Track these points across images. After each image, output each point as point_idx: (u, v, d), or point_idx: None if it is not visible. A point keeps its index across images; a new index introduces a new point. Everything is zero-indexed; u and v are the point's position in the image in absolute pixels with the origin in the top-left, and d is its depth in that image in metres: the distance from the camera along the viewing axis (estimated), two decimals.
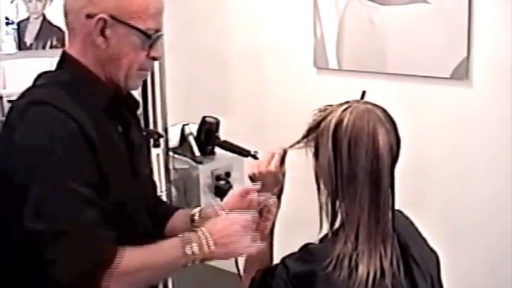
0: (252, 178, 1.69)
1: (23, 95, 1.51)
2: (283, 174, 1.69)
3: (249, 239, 1.51)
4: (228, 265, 1.74)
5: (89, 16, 1.51)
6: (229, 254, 1.52)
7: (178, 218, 1.80)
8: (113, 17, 1.50)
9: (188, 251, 1.45)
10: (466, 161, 2.93)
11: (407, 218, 1.65)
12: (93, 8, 1.50)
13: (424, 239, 1.63)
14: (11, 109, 1.50)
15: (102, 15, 1.49)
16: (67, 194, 1.39)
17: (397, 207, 1.53)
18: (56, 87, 1.50)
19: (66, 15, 1.57)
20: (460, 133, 2.92)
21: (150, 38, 1.54)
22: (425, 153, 3.00)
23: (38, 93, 1.50)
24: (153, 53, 1.58)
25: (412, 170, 2.47)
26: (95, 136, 1.45)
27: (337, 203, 1.51)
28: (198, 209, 1.78)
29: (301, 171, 1.59)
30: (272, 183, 1.67)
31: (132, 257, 1.41)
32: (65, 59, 1.58)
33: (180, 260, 1.45)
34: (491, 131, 2.82)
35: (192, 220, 1.74)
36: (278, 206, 1.68)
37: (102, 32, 1.51)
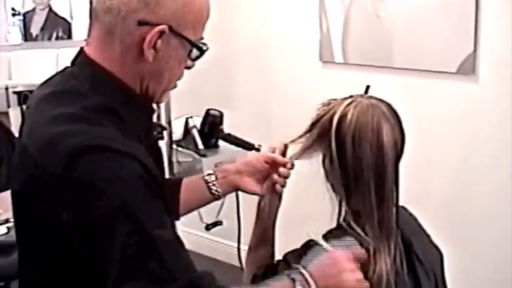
0: None
1: (63, 137, 1.19)
2: None
3: (353, 277, 1.38)
4: (230, 258, 1.73)
5: (142, 23, 1.26)
6: None
7: (190, 191, 1.73)
8: (170, 28, 1.27)
9: None
10: (472, 156, 2.91)
11: (411, 214, 1.64)
12: (150, 14, 1.25)
13: (428, 236, 1.62)
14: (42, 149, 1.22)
15: (162, 27, 1.26)
16: (176, 245, 1.24)
17: (401, 203, 1.52)
18: (99, 120, 1.23)
19: (102, 12, 1.28)
20: (466, 128, 2.90)
21: (202, 52, 1.35)
22: (431, 149, 2.99)
23: (85, 134, 1.19)
24: (189, 63, 1.38)
25: (417, 165, 2.45)
26: (156, 170, 1.27)
27: (344, 198, 1.50)
28: (209, 171, 1.72)
29: (303, 167, 1.58)
30: None
31: None
32: (94, 71, 1.31)
33: None
34: (497, 127, 2.80)
35: (208, 184, 1.70)
36: (279, 202, 1.68)
37: (154, 44, 1.27)
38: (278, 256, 1.56)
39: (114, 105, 1.28)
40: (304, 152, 1.54)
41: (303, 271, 1.39)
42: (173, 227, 1.30)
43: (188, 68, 1.39)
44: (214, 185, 1.70)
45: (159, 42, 1.27)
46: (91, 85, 1.29)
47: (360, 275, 1.38)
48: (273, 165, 1.66)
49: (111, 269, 1.18)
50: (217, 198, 1.72)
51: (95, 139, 1.18)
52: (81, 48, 1.36)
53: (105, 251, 1.18)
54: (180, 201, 1.71)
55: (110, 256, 1.17)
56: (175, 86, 1.42)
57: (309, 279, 1.36)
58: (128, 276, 1.18)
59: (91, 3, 1.31)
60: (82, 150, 1.16)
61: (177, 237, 1.26)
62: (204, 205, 1.79)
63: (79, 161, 1.16)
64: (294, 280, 1.36)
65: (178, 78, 1.40)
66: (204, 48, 1.36)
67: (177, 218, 1.76)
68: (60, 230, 1.20)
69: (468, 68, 2.80)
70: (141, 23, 1.26)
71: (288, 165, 1.64)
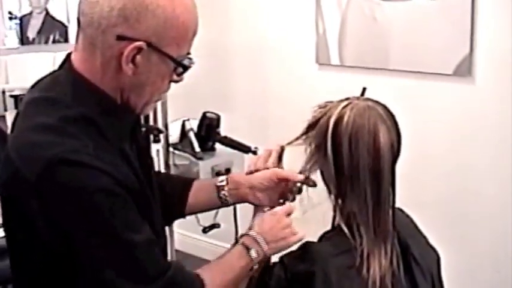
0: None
1: (39, 147, 1.25)
2: None
3: (294, 230, 1.55)
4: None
5: (121, 38, 1.26)
6: (283, 248, 1.54)
7: (201, 192, 1.75)
8: (149, 45, 1.27)
9: (253, 254, 1.48)
10: (468, 158, 2.91)
11: (407, 216, 1.64)
12: (129, 30, 1.26)
13: (424, 238, 1.62)
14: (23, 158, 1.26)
15: (139, 43, 1.26)
16: (146, 248, 1.30)
17: (398, 205, 1.52)
18: (75, 131, 1.27)
19: (85, 24, 1.30)
20: (462, 130, 2.90)
21: (185, 69, 1.35)
22: (427, 151, 2.99)
23: (60, 146, 1.24)
24: (175, 77, 1.38)
25: (413, 167, 2.45)
26: (130, 180, 1.31)
27: (339, 201, 1.50)
28: (222, 177, 1.74)
29: (299, 169, 1.58)
30: None
31: (213, 279, 1.41)
32: (76, 79, 1.33)
33: (249, 264, 1.48)
34: (494, 128, 2.80)
35: (219, 191, 1.72)
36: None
37: (133, 59, 1.28)
38: (275, 258, 1.56)
39: (93, 115, 1.31)
40: (311, 161, 1.54)
41: (252, 233, 1.51)
42: (151, 228, 1.35)
43: (175, 81, 1.39)
44: (224, 193, 1.72)
45: (138, 57, 1.28)
46: (72, 94, 1.32)
47: (294, 230, 1.56)
48: (286, 182, 1.66)
49: (87, 272, 1.27)
50: (225, 205, 1.75)
51: (69, 153, 1.23)
52: (69, 54, 1.38)
53: (78, 256, 1.26)
54: (187, 199, 1.74)
55: (85, 262, 1.26)
56: (159, 99, 1.44)
57: (260, 242, 1.50)
58: (104, 276, 1.25)
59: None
60: (57, 162, 1.22)
61: (152, 240, 1.33)
62: (211, 209, 1.82)
63: (53, 172, 1.22)
64: (247, 247, 1.48)
65: (163, 92, 1.41)
66: (188, 64, 1.36)
67: (183, 216, 1.79)
68: (37, 234, 1.27)
69: (464, 69, 2.80)
70: (120, 38, 1.27)
71: (311, 183, 1.62)
